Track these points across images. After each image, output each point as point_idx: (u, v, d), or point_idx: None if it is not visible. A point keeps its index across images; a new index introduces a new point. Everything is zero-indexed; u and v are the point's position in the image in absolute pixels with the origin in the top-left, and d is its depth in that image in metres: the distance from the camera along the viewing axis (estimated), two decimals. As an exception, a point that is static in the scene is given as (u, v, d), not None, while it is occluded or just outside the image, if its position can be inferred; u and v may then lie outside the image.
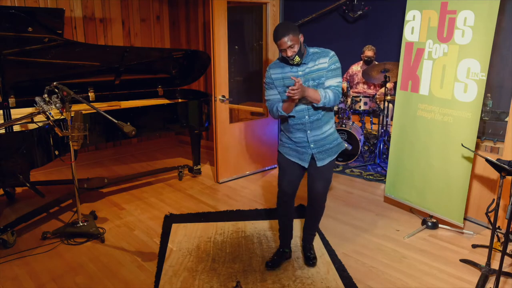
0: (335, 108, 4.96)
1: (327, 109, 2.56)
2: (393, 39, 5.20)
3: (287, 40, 2.34)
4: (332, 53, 2.52)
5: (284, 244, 2.90)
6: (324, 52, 2.51)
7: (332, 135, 2.63)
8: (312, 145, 2.57)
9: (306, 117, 2.52)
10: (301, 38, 2.44)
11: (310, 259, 2.84)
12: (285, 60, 2.52)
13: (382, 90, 5.23)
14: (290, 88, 2.29)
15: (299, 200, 3.08)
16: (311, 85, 2.49)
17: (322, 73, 2.49)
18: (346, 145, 4.74)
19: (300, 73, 2.50)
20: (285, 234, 2.88)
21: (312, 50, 2.53)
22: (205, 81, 5.52)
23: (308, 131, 2.55)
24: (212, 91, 4.17)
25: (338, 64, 2.52)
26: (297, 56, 2.40)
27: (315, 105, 2.48)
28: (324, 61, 2.48)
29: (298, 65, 2.47)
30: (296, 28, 2.40)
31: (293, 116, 2.54)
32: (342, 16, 5.77)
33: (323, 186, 2.66)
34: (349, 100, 5.06)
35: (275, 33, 2.39)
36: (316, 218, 2.85)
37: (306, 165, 2.62)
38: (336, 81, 2.50)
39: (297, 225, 3.24)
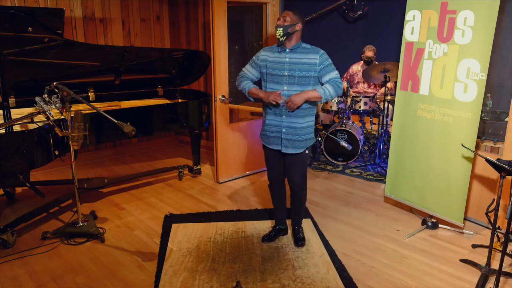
0: (335, 108, 4.97)
1: (309, 104, 2.76)
2: (393, 39, 5.20)
3: (285, 13, 2.66)
4: (322, 51, 2.73)
5: (278, 222, 3.17)
6: (314, 49, 2.73)
7: (305, 129, 2.81)
8: (284, 130, 2.77)
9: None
10: (298, 26, 2.68)
11: (299, 240, 3.05)
12: (278, 47, 2.77)
13: (382, 90, 5.23)
14: (285, 100, 2.65)
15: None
16: (297, 75, 2.68)
17: (310, 67, 2.68)
18: (346, 145, 4.74)
19: (287, 59, 2.71)
20: (278, 212, 3.15)
21: (304, 44, 2.75)
22: (205, 81, 5.52)
23: (284, 116, 2.76)
24: (212, 91, 4.17)
25: (330, 60, 2.73)
26: (282, 28, 2.62)
27: (318, 102, 2.73)
28: (314, 57, 2.68)
29: (282, 43, 2.68)
30: (300, 14, 2.70)
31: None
32: (342, 16, 5.77)
33: (297, 173, 2.87)
34: (349, 100, 5.05)
35: None
36: (299, 204, 3.04)
37: (281, 148, 2.83)
38: (334, 74, 2.71)
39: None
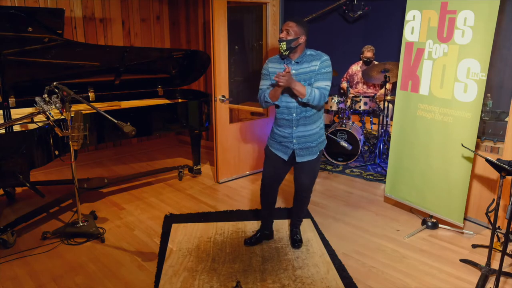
0: (335, 108, 4.97)
1: (315, 109, 2.69)
2: (393, 39, 5.21)
3: (289, 26, 2.54)
4: (326, 57, 2.63)
5: (264, 226, 3.11)
6: (318, 55, 2.63)
7: (315, 134, 2.75)
8: (294, 141, 2.72)
9: (294, 114, 2.67)
10: (302, 39, 2.58)
11: (296, 242, 3.02)
12: (283, 60, 2.67)
13: (382, 91, 5.24)
14: (278, 73, 2.44)
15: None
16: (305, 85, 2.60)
17: (312, 75, 2.60)
18: (346, 145, 4.74)
19: (293, 71, 2.62)
20: (266, 217, 3.09)
21: (309, 52, 2.65)
22: (205, 81, 5.53)
23: (294, 128, 2.70)
24: (212, 91, 4.17)
25: (329, 69, 2.62)
26: (285, 43, 2.53)
27: (299, 99, 2.58)
28: (316, 64, 2.61)
29: (286, 56, 2.60)
30: (304, 25, 2.58)
31: (278, 106, 2.70)
32: (342, 16, 5.77)
33: (307, 178, 2.84)
34: (349, 100, 5.06)
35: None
36: (302, 207, 3.03)
37: (286, 158, 2.78)
38: (324, 84, 2.60)
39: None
